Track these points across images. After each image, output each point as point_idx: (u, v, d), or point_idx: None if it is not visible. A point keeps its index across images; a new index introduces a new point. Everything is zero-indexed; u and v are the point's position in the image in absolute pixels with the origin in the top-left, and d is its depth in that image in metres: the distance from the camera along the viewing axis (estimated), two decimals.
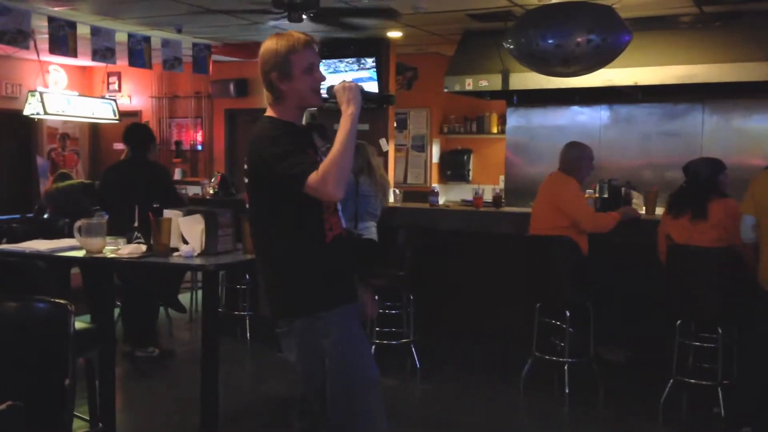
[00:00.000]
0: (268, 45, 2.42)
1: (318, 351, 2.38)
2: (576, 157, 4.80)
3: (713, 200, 4.13)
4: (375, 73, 7.31)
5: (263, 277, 2.51)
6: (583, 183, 4.82)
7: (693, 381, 4.28)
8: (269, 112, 2.48)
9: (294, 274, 2.40)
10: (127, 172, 5.36)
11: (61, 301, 2.28)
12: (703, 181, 4.22)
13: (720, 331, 4.11)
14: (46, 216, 6.44)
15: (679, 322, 4.26)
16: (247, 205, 2.52)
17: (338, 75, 7.32)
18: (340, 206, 2.52)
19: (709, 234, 4.07)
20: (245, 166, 2.45)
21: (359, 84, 2.41)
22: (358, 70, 7.39)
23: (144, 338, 5.42)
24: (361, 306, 2.59)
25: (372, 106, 7.19)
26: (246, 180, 2.46)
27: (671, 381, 4.27)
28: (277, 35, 2.44)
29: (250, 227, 2.57)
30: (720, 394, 4.11)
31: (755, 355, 3.84)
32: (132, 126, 5.70)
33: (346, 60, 7.42)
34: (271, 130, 2.39)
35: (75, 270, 5.18)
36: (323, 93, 2.50)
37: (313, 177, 2.23)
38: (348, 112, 2.33)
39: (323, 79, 2.47)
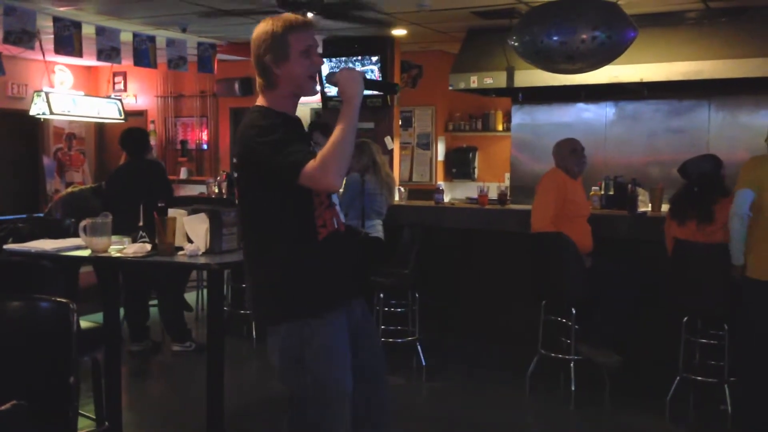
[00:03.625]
0: (263, 26, 2.28)
1: (297, 356, 2.27)
2: (556, 153, 4.85)
3: (719, 201, 4.08)
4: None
5: (248, 277, 2.37)
6: (576, 174, 4.79)
7: (700, 378, 4.27)
8: (260, 101, 2.33)
9: (280, 276, 2.27)
10: (131, 173, 5.47)
11: (64, 300, 2.28)
12: (710, 180, 4.18)
13: (726, 327, 4.09)
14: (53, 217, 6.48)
15: (685, 319, 4.25)
16: (236, 201, 2.41)
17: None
18: (337, 200, 2.39)
19: (718, 235, 4.02)
20: (234, 160, 2.38)
21: (361, 71, 2.28)
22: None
23: (179, 333, 5.53)
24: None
25: (377, 104, 7.26)
26: (236, 174, 2.34)
27: (678, 378, 4.26)
28: (271, 17, 2.30)
29: (241, 224, 2.45)
30: (727, 391, 4.10)
31: (756, 355, 3.78)
32: (126, 131, 5.72)
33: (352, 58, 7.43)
34: (261, 119, 2.23)
35: (89, 269, 5.23)
36: (325, 84, 2.41)
37: (311, 165, 2.09)
38: (349, 100, 2.18)
39: (321, 63, 2.32)
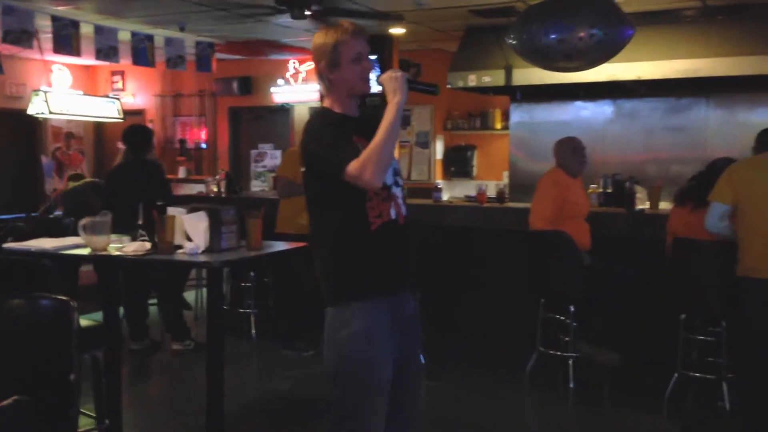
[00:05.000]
0: (318, 38, 2.45)
1: (337, 339, 2.36)
2: (557, 151, 4.85)
3: None
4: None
5: (314, 262, 2.51)
6: (577, 173, 4.80)
7: (698, 375, 4.28)
8: (325, 102, 2.51)
9: (332, 263, 2.40)
10: (130, 172, 5.44)
11: (64, 298, 2.29)
12: (717, 173, 4.20)
13: (724, 324, 4.10)
14: (53, 215, 6.50)
15: (683, 316, 4.26)
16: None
17: None
18: (401, 192, 2.48)
19: None
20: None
21: (405, 73, 2.41)
22: None
23: (179, 332, 5.53)
24: None
25: (375, 102, 7.28)
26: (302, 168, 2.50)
27: (676, 375, 4.27)
28: (325, 28, 2.46)
29: (308, 215, 2.58)
30: (725, 388, 4.11)
31: (754, 354, 3.76)
32: (131, 127, 5.73)
33: None
34: (318, 120, 2.42)
35: (89, 267, 5.24)
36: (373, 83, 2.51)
37: (353, 165, 2.25)
38: (394, 101, 2.33)
39: (372, 68, 2.48)
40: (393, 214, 2.42)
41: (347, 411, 2.38)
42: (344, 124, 2.42)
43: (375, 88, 2.51)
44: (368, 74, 2.46)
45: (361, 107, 2.54)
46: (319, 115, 2.46)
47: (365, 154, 2.25)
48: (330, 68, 2.41)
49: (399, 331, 2.43)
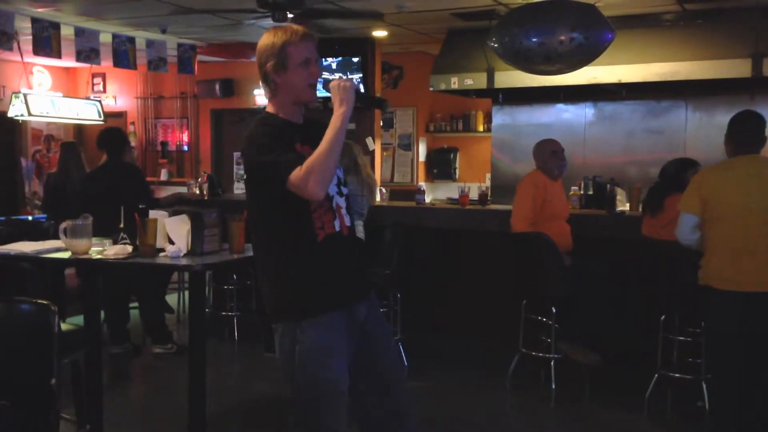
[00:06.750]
0: (266, 38, 2.39)
1: (290, 355, 2.33)
2: (536, 154, 4.89)
3: (672, 195, 4.14)
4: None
5: (258, 277, 2.47)
6: (557, 176, 4.82)
7: (677, 375, 4.32)
8: (268, 107, 2.45)
9: (279, 277, 2.36)
10: (109, 175, 5.39)
11: (44, 302, 2.27)
12: (668, 178, 4.32)
13: (703, 325, 4.14)
14: (30, 219, 6.43)
15: (663, 317, 4.30)
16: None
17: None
18: (344, 202, 2.44)
19: (671, 228, 4.04)
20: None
21: (354, 83, 2.35)
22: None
23: (160, 335, 5.50)
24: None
25: (357, 105, 7.28)
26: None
27: (656, 376, 4.32)
28: (274, 29, 2.40)
29: (250, 228, 2.52)
30: (704, 388, 4.15)
31: (721, 359, 3.74)
32: (105, 130, 5.68)
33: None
34: (261, 126, 2.35)
35: (71, 271, 5.19)
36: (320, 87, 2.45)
37: (296, 173, 2.19)
38: (339, 111, 2.27)
39: (319, 75, 2.42)
40: (337, 226, 2.38)
41: (310, 422, 2.36)
42: (288, 130, 2.36)
43: (323, 93, 2.44)
44: (315, 81, 2.41)
45: (306, 114, 2.47)
46: (261, 120, 2.39)
47: (308, 163, 2.19)
48: (276, 70, 2.35)
49: (356, 335, 2.41)
